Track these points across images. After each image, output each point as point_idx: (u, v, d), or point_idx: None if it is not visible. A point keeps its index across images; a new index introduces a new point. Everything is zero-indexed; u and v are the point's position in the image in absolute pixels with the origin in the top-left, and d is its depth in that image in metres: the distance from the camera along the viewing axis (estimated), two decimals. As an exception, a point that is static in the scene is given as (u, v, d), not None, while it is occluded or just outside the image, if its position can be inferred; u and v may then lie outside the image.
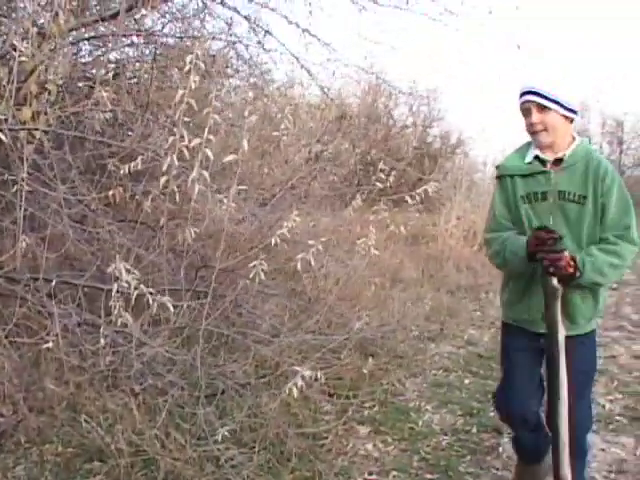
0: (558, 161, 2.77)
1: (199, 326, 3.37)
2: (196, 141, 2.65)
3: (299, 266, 3.10)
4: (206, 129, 2.62)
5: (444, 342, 6.38)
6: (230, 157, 2.65)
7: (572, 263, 2.60)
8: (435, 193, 5.19)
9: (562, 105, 2.72)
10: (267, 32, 6.50)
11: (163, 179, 2.85)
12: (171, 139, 2.73)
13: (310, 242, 3.02)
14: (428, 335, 6.40)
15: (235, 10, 6.18)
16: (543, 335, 2.72)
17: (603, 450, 3.86)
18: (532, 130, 2.78)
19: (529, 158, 2.83)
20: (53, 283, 3.40)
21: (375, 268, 7.01)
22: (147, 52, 5.71)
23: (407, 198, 4.40)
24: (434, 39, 16.16)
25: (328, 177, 7.31)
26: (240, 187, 2.81)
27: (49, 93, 3.52)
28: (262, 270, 2.93)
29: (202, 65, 2.66)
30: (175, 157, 2.74)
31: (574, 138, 2.82)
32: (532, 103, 2.73)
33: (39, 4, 4.05)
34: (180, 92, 2.63)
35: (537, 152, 2.80)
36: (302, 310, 5.05)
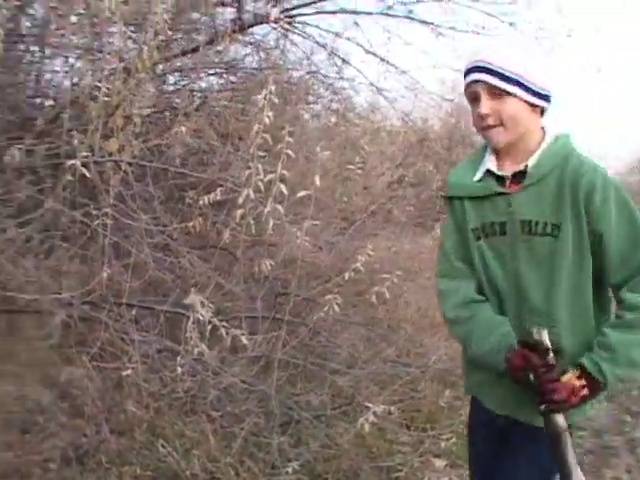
0: (519, 175, 1.85)
1: (275, 355, 3.39)
2: (270, 176, 2.68)
3: (374, 298, 3.10)
4: (279, 164, 2.64)
5: (526, 371, 6.18)
6: (302, 193, 2.65)
7: (580, 383, 1.74)
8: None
9: (526, 87, 1.79)
10: (344, 61, 6.57)
11: (239, 212, 2.90)
12: (247, 172, 2.78)
13: (385, 275, 3.01)
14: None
15: (314, 40, 6.28)
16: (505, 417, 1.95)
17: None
18: (481, 125, 1.85)
19: (480, 174, 1.92)
20: (134, 311, 3.49)
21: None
22: (230, 81, 5.87)
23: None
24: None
25: (409, 203, 7.26)
26: (313, 222, 2.82)
27: (134, 125, 3.64)
28: (336, 304, 2.95)
29: (276, 100, 2.70)
30: (251, 190, 2.78)
31: (545, 136, 1.89)
32: (481, 85, 1.81)
33: (129, 38, 4.20)
34: (255, 127, 2.69)
35: (490, 165, 1.89)
36: (381, 339, 5.01)
